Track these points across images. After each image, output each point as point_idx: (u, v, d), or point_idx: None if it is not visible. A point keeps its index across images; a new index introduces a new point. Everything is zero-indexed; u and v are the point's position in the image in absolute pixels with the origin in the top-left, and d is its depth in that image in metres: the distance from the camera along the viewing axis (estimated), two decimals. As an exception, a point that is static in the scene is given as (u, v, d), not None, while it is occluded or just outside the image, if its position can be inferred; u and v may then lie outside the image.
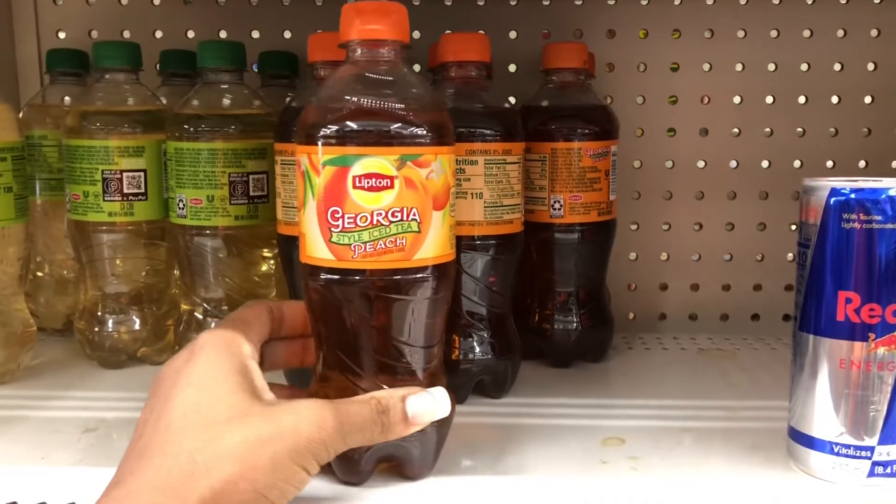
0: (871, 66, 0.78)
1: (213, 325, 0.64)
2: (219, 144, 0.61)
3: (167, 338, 0.68)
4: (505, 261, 0.59)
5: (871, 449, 0.44)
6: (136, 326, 0.67)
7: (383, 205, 0.41)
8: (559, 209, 0.64)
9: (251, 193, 0.62)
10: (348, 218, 0.41)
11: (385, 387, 0.43)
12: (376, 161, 0.41)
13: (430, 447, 0.45)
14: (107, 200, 0.64)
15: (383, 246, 0.41)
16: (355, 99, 0.43)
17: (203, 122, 0.61)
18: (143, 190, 0.64)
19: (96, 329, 0.67)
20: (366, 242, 0.41)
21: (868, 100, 0.79)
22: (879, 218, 0.43)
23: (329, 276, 0.42)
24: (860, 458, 0.44)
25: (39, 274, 0.76)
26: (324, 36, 0.58)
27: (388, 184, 0.41)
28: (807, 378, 0.46)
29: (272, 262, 0.66)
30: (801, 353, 0.46)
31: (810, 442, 0.46)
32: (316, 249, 0.42)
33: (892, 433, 0.44)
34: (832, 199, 0.44)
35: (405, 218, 0.42)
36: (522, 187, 0.60)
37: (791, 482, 0.46)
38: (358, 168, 0.41)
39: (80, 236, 0.66)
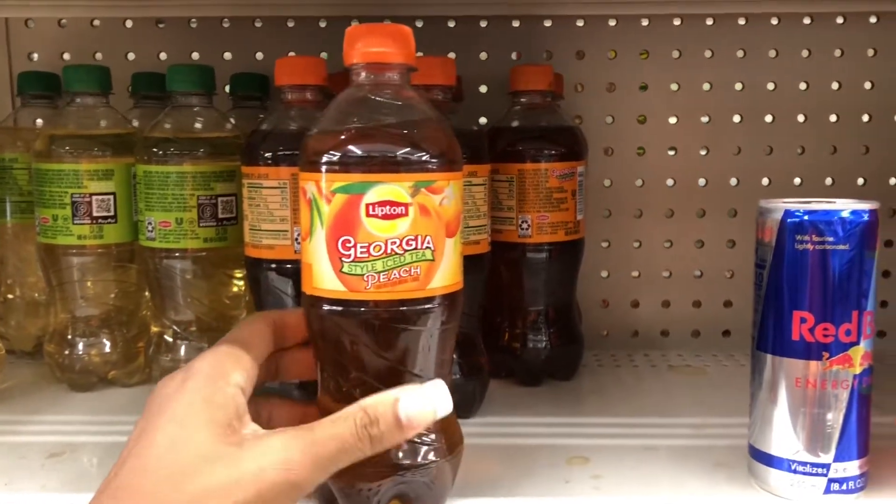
0: (835, 85, 0.80)
1: (183, 348, 0.65)
2: (187, 167, 0.62)
3: (138, 360, 0.68)
4: (472, 281, 0.58)
5: (827, 466, 0.45)
6: (107, 349, 0.67)
7: (398, 233, 0.40)
8: (527, 229, 0.65)
9: (220, 216, 0.62)
10: (361, 247, 0.40)
11: None
12: (391, 188, 0.40)
13: (443, 480, 0.44)
14: (76, 224, 0.64)
15: (398, 276, 0.40)
16: (367, 123, 0.41)
17: (171, 145, 0.62)
18: (112, 213, 0.65)
19: (66, 352, 0.67)
20: (379, 272, 0.40)
21: (833, 118, 0.80)
22: (832, 239, 0.44)
23: (339, 308, 0.41)
24: (816, 475, 0.45)
25: (10, 296, 0.76)
26: (291, 60, 0.58)
27: (403, 211, 0.40)
28: (764, 396, 0.47)
29: (242, 283, 0.66)
30: (759, 372, 0.47)
31: (769, 460, 0.46)
32: (324, 280, 0.41)
33: (846, 450, 0.45)
34: (786, 221, 0.45)
35: (420, 246, 0.41)
36: (489, 208, 0.60)
37: (751, 499, 0.46)
38: (372, 195, 0.40)
39: (50, 259, 0.66)
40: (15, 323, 0.76)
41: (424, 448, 0.43)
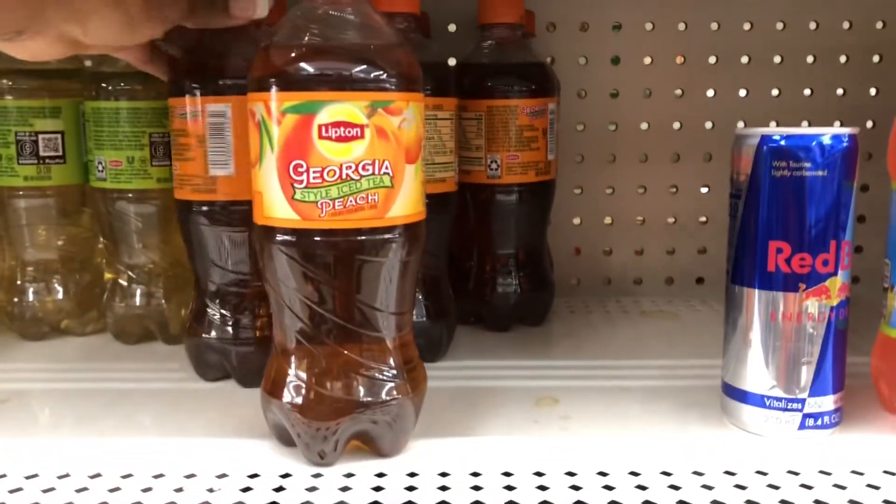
0: (812, 25, 0.78)
1: (138, 293, 0.62)
2: (139, 104, 0.58)
3: (92, 310, 0.65)
4: (438, 221, 0.57)
5: (802, 401, 0.43)
6: (59, 297, 0.64)
7: (353, 157, 0.37)
8: (496, 169, 0.63)
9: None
10: (314, 172, 0.37)
11: (354, 357, 0.40)
12: (346, 107, 0.37)
13: (405, 419, 0.42)
14: (21, 164, 0.61)
15: (353, 203, 0.38)
16: (320, 38, 0.38)
17: (122, 80, 0.58)
18: (60, 152, 0.61)
19: (15, 299, 0.64)
20: (334, 199, 0.38)
21: (810, 59, 0.78)
22: (809, 165, 0.42)
23: (292, 238, 0.39)
24: (791, 410, 0.44)
25: (-41, 245, 0.73)
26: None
27: (359, 133, 0.37)
28: (739, 332, 0.45)
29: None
30: (733, 307, 0.45)
31: (743, 396, 0.45)
32: (275, 209, 0.38)
33: (822, 385, 0.43)
34: (763, 147, 0.43)
35: (377, 171, 0.38)
36: (456, 146, 0.58)
37: (723, 437, 0.45)
38: (325, 115, 0.37)
39: (-4, 202, 0.63)
40: (-36, 272, 0.72)
41: (386, 385, 0.41)
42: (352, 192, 0.38)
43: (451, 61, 0.75)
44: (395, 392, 0.41)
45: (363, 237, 0.39)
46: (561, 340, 0.65)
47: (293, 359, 0.41)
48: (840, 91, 0.78)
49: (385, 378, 0.41)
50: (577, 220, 0.81)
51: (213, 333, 0.52)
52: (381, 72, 0.38)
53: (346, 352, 0.40)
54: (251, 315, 0.52)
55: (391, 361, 0.41)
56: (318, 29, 0.39)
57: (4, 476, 0.40)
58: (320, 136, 0.37)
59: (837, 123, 0.79)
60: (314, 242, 0.38)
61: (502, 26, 0.64)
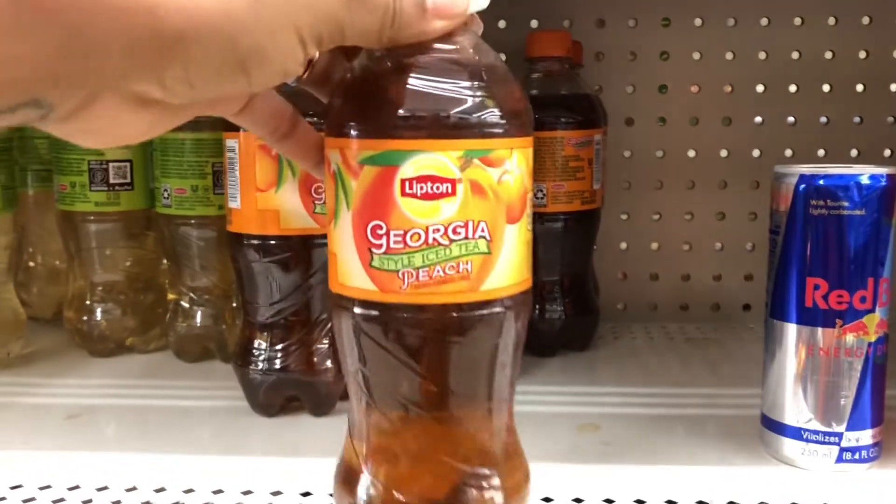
0: (862, 54, 0.78)
1: (199, 314, 0.65)
2: (203, 135, 0.62)
3: (156, 328, 0.69)
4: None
5: (840, 435, 0.44)
6: (125, 316, 0.68)
7: (442, 218, 0.32)
8: (542, 198, 0.65)
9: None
10: (395, 235, 0.32)
11: (443, 458, 0.34)
12: (433, 159, 0.31)
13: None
14: (93, 190, 0.65)
15: (441, 273, 0.32)
16: (405, 76, 0.32)
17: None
18: (128, 180, 0.65)
19: (85, 318, 0.67)
20: (418, 269, 0.32)
21: (860, 88, 0.78)
22: (847, 204, 0.43)
23: (368, 312, 0.33)
24: (829, 443, 0.44)
25: (32, 264, 0.77)
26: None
27: (449, 189, 0.32)
28: (777, 365, 0.46)
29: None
30: (772, 340, 0.46)
31: (781, 429, 0.46)
32: (351, 276, 0.33)
33: (859, 419, 0.44)
34: (801, 186, 0.44)
35: (471, 235, 0.32)
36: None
37: (761, 468, 0.46)
38: (409, 168, 0.31)
39: (68, 226, 0.67)
40: (36, 290, 0.77)
41: (480, 494, 0.35)
42: (440, 261, 0.32)
43: (501, 90, 0.77)
44: (487, 496, 0.35)
45: (453, 314, 0.33)
46: (604, 366, 0.66)
47: (369, 456, 0.35)
48: (890, 119, 0.78)
49: (478, 485, 0.35)
50: (623, 245, 0.82)
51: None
52: (480, 114, 0.32)
53: (432, 450, 0.35)
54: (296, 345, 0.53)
55: (485, 461, 0.35)
56: (406, 63, 0.32)
57: (78, 487, 0.44)
58: (403, 193, 0.31)
59: (888, 152, 0.79)
60: (394, 318, 0.33)
61: (549, 59, 0.66)
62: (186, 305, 0.65)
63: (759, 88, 0.79)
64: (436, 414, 0.34)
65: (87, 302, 0.67)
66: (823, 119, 0.79)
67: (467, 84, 0.32)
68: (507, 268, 0.33)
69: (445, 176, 0.32)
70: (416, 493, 0.34)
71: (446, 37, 0.32)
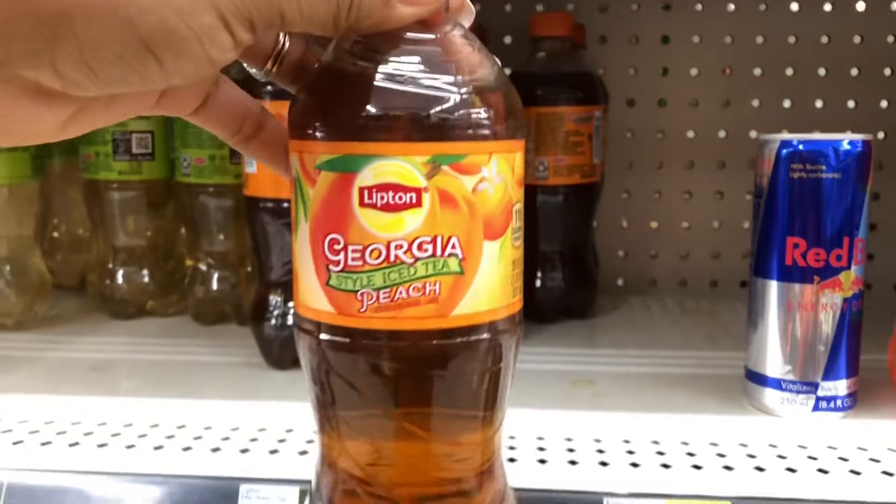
0: (857, 39, 0.80)
1: (216, 278, 0.69)
2: (221, 107, 0.65)
3: (174, 293, 0.72)
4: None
5: (817, 385, 0.47)
6: (145, 279, 0.71)
7: (405, 232, 0.28)
8: (544, 171, 0.68)
9: (251, 153, 0.66)
10: (353, 251, 0.28)
11: (416, 493, 0.31)
12: (395, 164, 0.27)
13: None
14: (117, 160, 0.68)
15: (405, 295, 0.28)
16: (367, 71, 0.28)
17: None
18: (150, 150, 0.68)
19: (107, 282, 0.71)
20: (378, 289, 0.28)
21: (855, 72, 0.81)
22: (825, 168, 0.46)
23: (326, 337, 0.29)
24: (806, 393, 0.47)
25: (56, 234, 0.81)
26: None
27: (413, 199, 0.27)
28: (760, 320, 0.49)
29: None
30: (755, 298, 0.49)
31: (762, 380, 0.49)
32: (309, 295, 0.29)
33: (835, 370, 0.47)
34: (783, 151, 0.47)
35: (439, 252, 0.28)
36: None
37: (741, 417, 0.49)
38: (367, 175, 0.27)
39: (93, 194, 0.70)
40: (60, 258, 0.80)
41: None
42: (402, 281, 0.28)
43: (506, 71, 0.80)
44: None
45: (419, 342, 0.28)
46: (602, 333, 0.69)
47: (335, 487, 0.32)
48: (884, 103, 0.81)
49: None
50: (624, 223, 0.85)
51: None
52: (444, 113, 0.28)
53: (402, 496, 0.31)
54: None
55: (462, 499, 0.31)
56: (369, 53, 0.29)
57: (105, 424, 0.47)
58: (362, 204, 0.28)
59: (882, 135, 0.81)
60: (352, 345, 0.29)
61: (552, 39, 0.69)
62: (204, 269, 0.69)
63: (757, 72, 0.82)
64: (408, 453, 0.30)
65: (110, 266, 0.71)
66: (819, 102, 0.82)
67: (437, 80, 0.28)
68: (486, 290, 0.29)
69: (408, 184, 0.27)
70: None
71: (423, 26, 0.29)
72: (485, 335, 0.29)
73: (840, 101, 0.81)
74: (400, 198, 0.27)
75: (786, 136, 0.47)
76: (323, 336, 0.29)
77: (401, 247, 0.28)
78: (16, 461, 0.42)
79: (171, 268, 0.72)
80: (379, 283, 0.28)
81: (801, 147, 0.46)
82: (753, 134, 0.83)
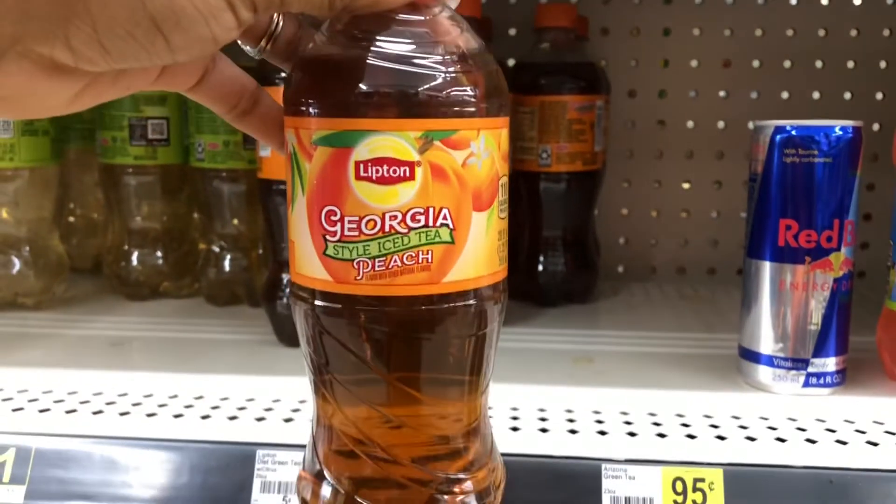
0: (854, 32, 0.82)
1: (228, 261, 0.71)
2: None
3: (188, 276, 0.74)
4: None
5: (807, 362, 0.49)
6: (159, 262, 0.73)
7: (399, 203, 0.29)
8: (547, 158, 0.70)
9: (263, 139, 0.68)
10: (350, 222, 0.30)
11: (410, 463, 0.32)
12: (389, 139, 0.29)
13: None
14: (133, 145, 0.70)
15: (399, 263, 0.30)
16: (361, 50, 0.30)
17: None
18: (165, 136, 0.70)
19: (122, 264, 0.73)
20: (374, 258, 0.30)
21: (851, 64, 0.83)
22: (817, 153, 0.48)
23: (323, 303, 0.31)
24: (797, 369, 0.49)
25: (72, 219, 0.83)
26: None
27: (407, 173, 0.29)
28: (753, 299, 0.51)
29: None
30: (749, 277, 0.51)
31: (755, 357, 0.51)
32: (306, 265, 0.31)
33: (825, 348, 0.49)
34: (776, 136, 0.49)
35: (431, 223, 0.30)
36: (510, 135, 0.65)
37: (735, 393, 0.51)
38: (363, 150, 0.29)
39: (109, 179, 0.72)
40: (76, 242, 0.82)
41: (445, 497, 0.33)
42: (397, 250, 0.30)
43: (511, 62, 0.82)
44: None
45: (412, 307, 0.30)
46: (602, 315, 0.71)
47: (331, 460, 0.34)
48: (880, 95, 0.83)
49: (449, 490, 0.33)
50: (625, 212, 0.87)
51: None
52: (436, 91, 0.29)
53: (397, 453, 0.32)
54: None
55: (457, 465, 0.33)
56: (363, 33, 0.30)
57: (126, 394, 0.49)
58: (357, 177, 0.29)
59: (876, 126, 0.83)
60: (349, 311, 0.31)
61: (556, 30, 0.71)
62: (217, 251, 0.71)
63: (756, 64, 0.84)
64: (401, 414, 0.32)
65: (125, 248, 0.73)
66: (816, 94, 0.84)
67: (429, 59, 0.30)
68: (475, 258, 0.31)
69: (403, 158, 0.29)
70: (383, 501, 0.32)
71: (413, 8, 0.30)
72: (473, 301, 0.31)
73: (836, 92, 0.83)
74: (394, 171, 0.29)
75: (780, 122, 0.49)
76: (319, 302, 0.31)
77: (395, 217, 0.29)
78: (43, 428, 0.44)
79: (185, 251, 0.74)
80: (374, 252, 0.30)
81: (794, 133, 0.48)
82: (752, 125, 0.84)
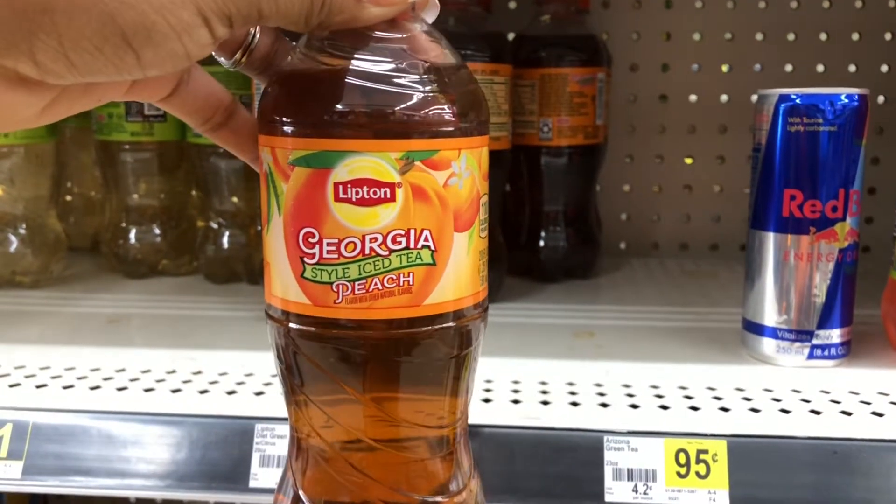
0: (858, 4, 0.81)
1: (226, 237, 0.70)
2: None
3: (186, 254, 0.74)
4: (493, 177, 0.63)
5: (812, 333, 0.49)
6: (158, 240, 0.73)
7: (380, 225, 0.29)
8: (548, 132, 0.69)
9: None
10: (328, 244, 0.29)
11: (388, 486, 0.32)
12: (369, 160, 0.28)
13: None
14: (129, 121, 0.69)
15: (379, 286, 0.29)
16: (339, 68, 0.29)
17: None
18: (162, 112, 0.70)
19: (120, 242, 0.73)
20: (353, 281, 0.29)
21: (856, 36, 0.82)
22: (822, 121, 0.47)
23: (301, 327, 0.30)
24: (801, 341, 0.49)
25: (68, 197, 0.82)
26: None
27: (388, 194, 0.29)
28: (757, 271, 0.50)
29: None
30: (753, 249, 0.51)
31: (759, 329, 0.50)
32: (283, 287, 0.30)
33: (830, 320, 0.49)
34: (781, 105, 0.48)
35: (413, 245, 0.29)
36: (511, 108, 0.64)
37: (739, 365, 0.50)
38: (342, 171, 0.28)
39: (106, 155, 0.71)
40: (73, 220, 0.82)
41: None
42: (377, 272, 0.29)
43: (510, 35, 0.81)
44: None
45: (393, 331, 0.30)
46: (604, 291, 0.71)
47: (308, 485, 0.33)
48: (885, 68, 0.82)
49: None
50: (626, 187, 0.86)
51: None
52: (417, 111, 0.29)
53: (375, 480, 0.32)
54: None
55: (436, 489, 0.33)
56: (341, 52, 0.30)
57: (123, 370, 0.49)
58: (337, 198, 0.29)
59: (881, 99, 0.82)
60: (328, 335, 0.30)
61: (556, 2, 0.70)
62: (215, 227, 0.70)
63: (759, 37, 0.83)
64: (378, 436, 0.31)
65: (123, 226, 0.73)
66: (820, 67, 0.83)
67: (408, 78, 0.29)
68: (456, 279, 0.30)
69: (383, 179, 0.29)
70: None
71: (391, 25, 0.30)
72: (453, 323, 0.31)
73: (841, 65, 0.82)
74: (374, 192, 0.29)
75: (784, 90, 0.48)
76: (295, 325, 0.30)
77: (375, 239, 0.29)
78: (40, 403, 0.44)
79: (183, 228, 0.74)
80: (354, 274, 0.29)
81: (798, 101, 0.47)
82: (755, 98, 0.83)
